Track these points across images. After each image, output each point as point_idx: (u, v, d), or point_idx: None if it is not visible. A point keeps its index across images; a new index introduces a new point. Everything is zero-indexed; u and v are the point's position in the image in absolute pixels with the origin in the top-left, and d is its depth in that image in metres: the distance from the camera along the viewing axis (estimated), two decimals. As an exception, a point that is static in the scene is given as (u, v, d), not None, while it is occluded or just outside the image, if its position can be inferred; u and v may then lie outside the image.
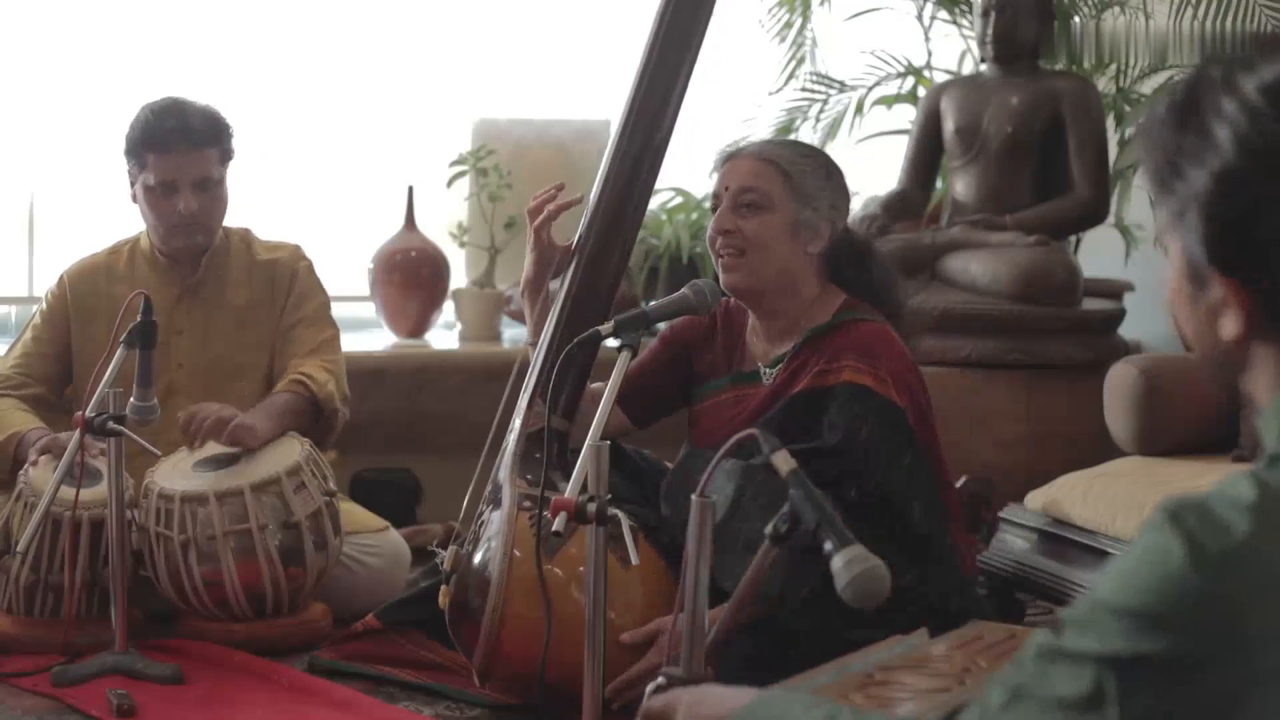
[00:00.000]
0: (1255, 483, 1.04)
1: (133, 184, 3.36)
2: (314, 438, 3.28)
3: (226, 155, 3.37)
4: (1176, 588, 1.01)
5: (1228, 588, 1.01)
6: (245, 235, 3.51)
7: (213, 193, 3.34)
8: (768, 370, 2.81)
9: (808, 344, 2.75)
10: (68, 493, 2.86)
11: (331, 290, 3.56)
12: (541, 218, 2.85)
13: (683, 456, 2.83)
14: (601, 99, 4.84)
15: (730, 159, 2.82)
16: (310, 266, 3.51)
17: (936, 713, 1.61)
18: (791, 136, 4.86)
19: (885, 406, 2.65)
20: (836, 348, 2.71)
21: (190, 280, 3.42)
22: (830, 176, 2.81)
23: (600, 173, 2.90)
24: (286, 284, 3.46)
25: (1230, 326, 1.12)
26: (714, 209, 2.80)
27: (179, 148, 3.28)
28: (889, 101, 5.02)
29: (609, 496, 2.03)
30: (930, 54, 4.98)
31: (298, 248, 3.53)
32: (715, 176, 2.84)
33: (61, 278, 3.47)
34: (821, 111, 4.96)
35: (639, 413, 2.98)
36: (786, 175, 2.75)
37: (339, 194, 4.92)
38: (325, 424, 3.33)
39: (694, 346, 2.95)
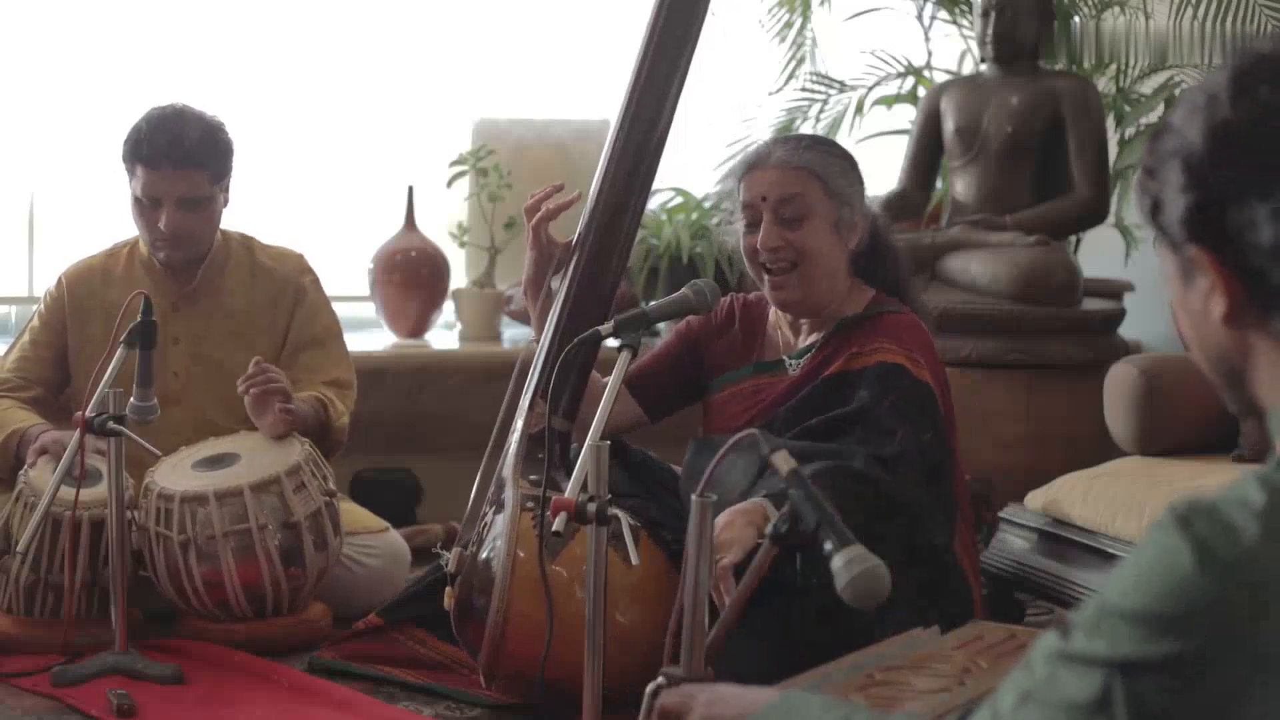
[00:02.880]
0: (1265, 486, 1.04)
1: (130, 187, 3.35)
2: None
3: (220, 174, 3.30)
4: (1185, 592, 1.01)
5: (1236, 592, 1.00)
6: (247, 241, 3.49)
7: (199, 212, 3.28)
8: (792, 361, 2.81)
9: (839, 333, 2.76)
10: (68, 493, 2.86)
11: (331, 290, 3.55)
12: (539, 216, 2.85)
13: (694, 448, 2.82)
14: (601, 99, 4.84)
15: (757, 168, 2.77)
16: (316, 280, 3.48)
17: (940, 712, 1.61)
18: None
19: (916, 384, 2.66)
20: (869, 334, 2.73)
21: (186, 288, 3.40)
22: (852, 166, 2.82)
23: (598, 171, 2.89)
24: (291, 297, 3.43)
25: (1218, 305, 1.12)
26: (749, 222, 2.76)
27: (166, 165, 3.22)
28: (889, 101, 5.02)
29: (609, 496, 2.03)
30: (930, 54, 4.98)
31: (301, 257, 3.50)
32: (740, 186, 2.78)
33: (60, 279, 3.46)
34: (821, 111, 4.96)
35: (652, 404, 2.99)
36: (820, 179, 2.73)
37: (339, 194, 4.92)
38: (324, 449, 3.30)
39: (706, 341, 2.95)
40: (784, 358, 2.84)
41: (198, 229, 3.32)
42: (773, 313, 2.89)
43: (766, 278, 2.77)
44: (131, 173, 3.28)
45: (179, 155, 3.22)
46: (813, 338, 2.81)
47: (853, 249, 2.78)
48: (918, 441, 2.61)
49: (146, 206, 3.28)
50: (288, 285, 3.44)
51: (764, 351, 2.89)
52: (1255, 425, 3.21)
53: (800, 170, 2.73)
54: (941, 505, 2.67)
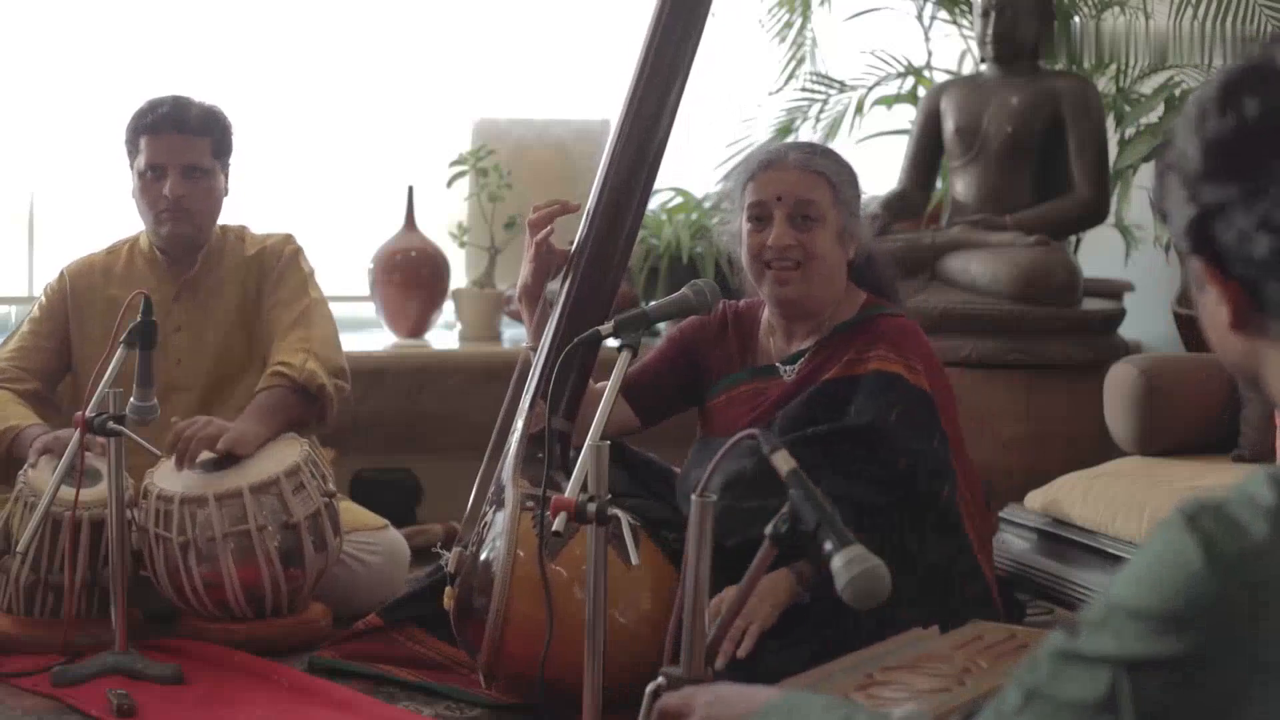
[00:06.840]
0: (1275, 485, 1.04)
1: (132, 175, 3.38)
2: (313, 420, 3.30)
3: (221, 149, 3.38)
4: (1193, 590, 1.01)
5: (1244, 590, 1.00)
6: (240, 231, 3.52)
7: (202, 183, 3.34)
8: (786, 367, 2.81)
9: (834, 338, 2.77)
10: (68, 493, 2.86)
11: (331, 290, 3.55)
12: (544, 233, 2.85)
13: (696, 449, 2.83)
14: (601, 99, 4.84)
15: (772, 168, 2.77)
16: (295, 250, 3.48)
17: (941, 712, 1.62)
18: (791, 137, 4.87)
19: (915, 393, 2.67)
20: (866, 339, 2.73)
21: (187, 276, 3.42)
22: (856, 179, 2.84)
23: (599, 174, 2.90)
24: (272, 272, 3.45)
25: (1223, 314, 1.13)
26: (757, 218, 2.76)
27: (170, 131, 3.31)
28: (889, 101, 5.02)
29: (609, 496, 2.03)
30: (930, 54, 4.98)
31: (286, 235, 3.51)
32: (750, 184, 2.78)
33: (62, 273, 3.48)
34: (821, 111, 4.97)
35: (646, 409, 2.98)
36: (833, 186, 2.75)
37: (339, 194, 4.92)
38: (319, 405, 3.31)
39: (702, 346, 2.95)
40: (777, 364, 2.84)
41: (200, 203, 3.36)
42: (764, 320, 2.89)
43: (770, 274, 2.76)
44: (135, 149, 3.34)
45: (183, 120, 3.32)
46: (807, 343, 2.81)
47: (851, 259, 2.79)
48: (925, 452, 2.63)
49: (150, 179, 3.33)
50: (270, 262, 3.46)
51: (756, 358, 2.89)
52: (1256, 425, 3.22)
53: (818, 175, 2.75)
54: (948, 516, 2.68)
